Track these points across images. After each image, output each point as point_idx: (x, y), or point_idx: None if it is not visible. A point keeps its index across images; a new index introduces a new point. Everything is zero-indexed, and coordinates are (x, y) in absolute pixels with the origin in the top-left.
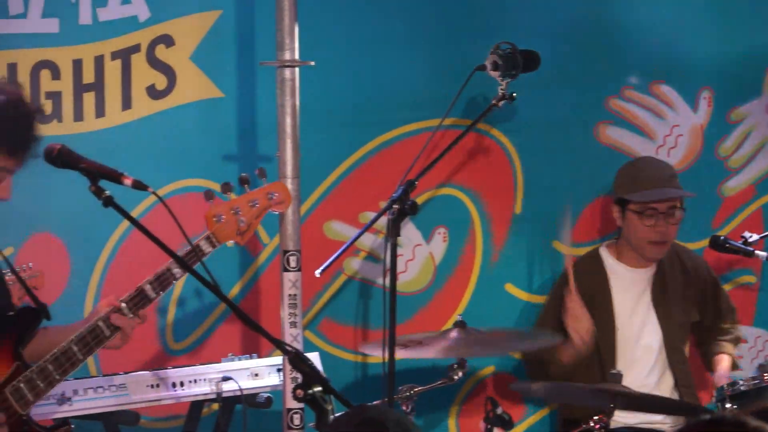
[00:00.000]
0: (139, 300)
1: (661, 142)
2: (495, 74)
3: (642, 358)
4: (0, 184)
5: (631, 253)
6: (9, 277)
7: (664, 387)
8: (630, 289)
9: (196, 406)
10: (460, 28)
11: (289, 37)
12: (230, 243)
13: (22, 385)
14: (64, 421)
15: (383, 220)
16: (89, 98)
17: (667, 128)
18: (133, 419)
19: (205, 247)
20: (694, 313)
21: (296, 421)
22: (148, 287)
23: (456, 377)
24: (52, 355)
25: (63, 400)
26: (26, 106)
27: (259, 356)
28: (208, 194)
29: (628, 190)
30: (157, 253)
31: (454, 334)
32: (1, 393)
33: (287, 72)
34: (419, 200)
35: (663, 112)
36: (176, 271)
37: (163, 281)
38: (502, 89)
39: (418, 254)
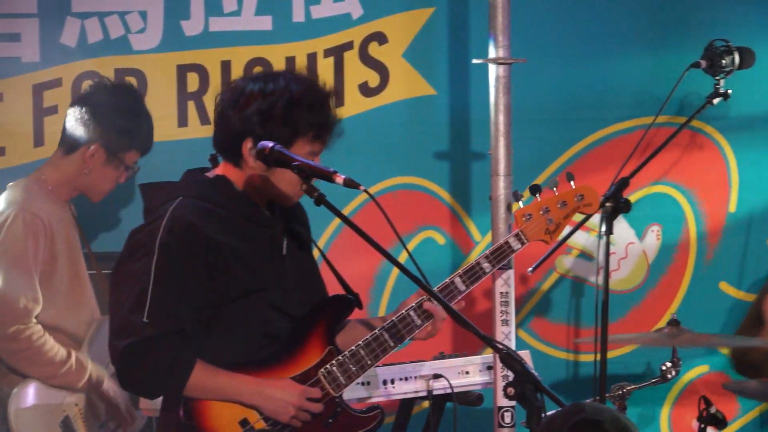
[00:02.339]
0: (448, 292)
1: None
2: (709, 72)
3: None
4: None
5: None
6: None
7: None
8: None
9: (407, 404)
10: (674, 25)
11: (503, 35)
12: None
13: (334, 368)
14: (376, 407)
15: (596, 218)
16: None
17: None
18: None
19: (514, 244)
20: None
21: (507, 419)
22: (458, 280)
23: (670, 376)
24: (364, 340)
25: None
26: (323, 89)
27: (470, 354)
28: (516, 195)
29: None
30: (369, 252)
31: (666, 331)
32: (314, 375)
33: (500, 69)
34: (632, 198)
35: None
36: (486, 265)
37: (472, 275)
38: (716, 86)
39: (631, 252)
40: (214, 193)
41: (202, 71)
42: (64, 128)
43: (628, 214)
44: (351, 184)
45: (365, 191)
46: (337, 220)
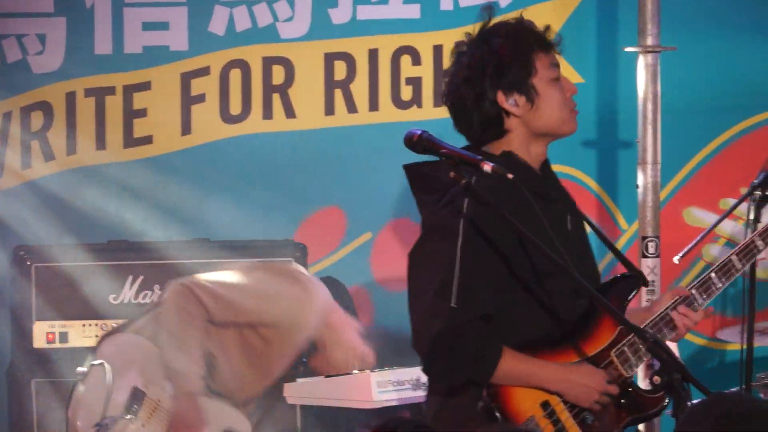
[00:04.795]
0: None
1: None
2: None
3: None
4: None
5: None
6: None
7: None
8: None
9: None
10: None
11: (652, 23)
12: None
13: (626, 348)
14: (662, 387)
15: (744, 206)
16: None
17: None
18: None
19: None
20: None
21: None
22: (734, 258)
23: None
24: (651, 320)
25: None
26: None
27: None
28: None
29: None
30: None
31: None
32: (608, 356)
33: (649, 57)
34: None
35: None
36: (759, 243)
37: (747, 253)
38: None
39: None
40: (510, 168)
41: (349, 59)
42: None
43: None
44: (498, 171)
45: (513, 179)
46: None
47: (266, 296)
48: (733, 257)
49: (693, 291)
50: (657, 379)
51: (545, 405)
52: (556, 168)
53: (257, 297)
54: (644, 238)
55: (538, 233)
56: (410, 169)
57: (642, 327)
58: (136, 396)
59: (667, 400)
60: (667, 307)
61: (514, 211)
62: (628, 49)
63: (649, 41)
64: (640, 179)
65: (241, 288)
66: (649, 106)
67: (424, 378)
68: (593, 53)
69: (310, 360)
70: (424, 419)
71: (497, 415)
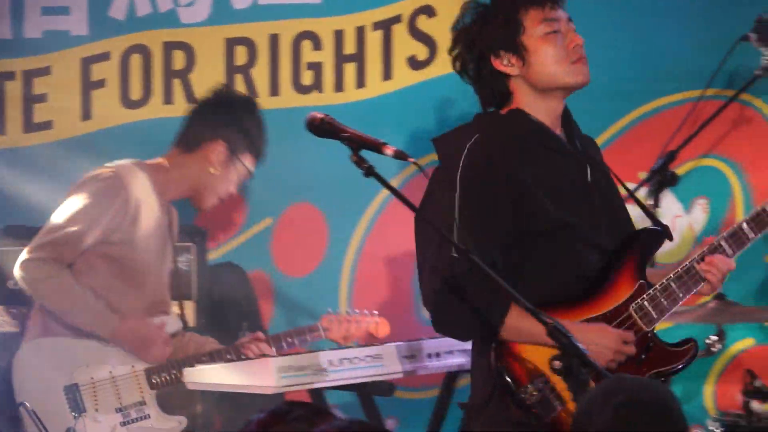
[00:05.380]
0: (737, 238)
1: None
2: (759, 45)
3: None
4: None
5: None
6: None
7: None
8: None
9: (451, 376)
10: None
11: None
12: None
13: (645, 302)
14: (690, 339)
15: (643, 191)
16: (350, 69)
17: None
18: (387, 390)
19: None
20: None
21: None
22: (745, 226)
23: (714, 349)
24: (675, 273)
25: (318, 370)
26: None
27: None
28: None
29: None
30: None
31: (712, 305)
32: (626, 310)
33: None
34: (679, 171)
35: None
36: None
37: (759, 221)
38: (766, 59)
39: (678, 225)
40: (511, 127)
41: (250, 45)
42: (185, 127)
43: (675, 187)
44: (400, 155)
45: (414, 163)
46: (382, 195)
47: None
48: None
49: (722, 242)
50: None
51: (552, 365)
52: None
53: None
54: None
55: (549, 187)
56: (436, 142)
57: (665, 280)
58: (71, 393)
59: (693, 353)
60: (692, 260)
61: (520, 166)
62: None
63: None
64: None
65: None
66: None
67: (325, 363)
68: None
69: None
70: (323, 405)
71: (507, 379)
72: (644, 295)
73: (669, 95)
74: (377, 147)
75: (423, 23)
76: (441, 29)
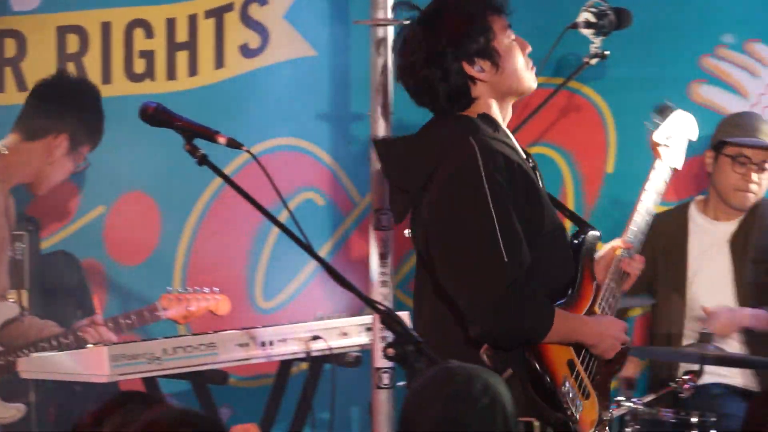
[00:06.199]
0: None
1: (755, 101)
2: (587, 32)
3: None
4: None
5: (717, 204)
6: None
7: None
8: (708, 244)
9: (285, 365)
10: None
11: None
12: None
13: (604, 303)
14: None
15: None
16: (182, 57)
17: (761, 87)
18: (221, 379)
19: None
20: None
21: (385, 380)
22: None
23: None
24: (610, 272)
25: (152, 359)
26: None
27: (349, 315)
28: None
29: (726, 133)
30: (249, 212)
31: None
32: (596, 312)
33: (380, 31)
34: None
35: (757, 71)
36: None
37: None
38: (594, 47)
39: None
40: (493, 129)
41: (82, 33)
42: (24, 114)
43: None
44: (233, 144)
45: (247, 151)
46: (215, 183)
47: None
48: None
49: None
50: (391, 351)
51: (571, 365)
52: (285, 141)
53: None
54: (377, 210)
55: (536, 191)
56: (382, 144)
57: (608, 281)
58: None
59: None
60: (619, 261)
61: (515, 170)
62: (358, 22)
63: (380, 14)
64: (373, 152)
65: None
66: (381, 79)
67: (159, 352)
68: (326, 26)
69: None
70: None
71: (547, 378)
72: (601, 296)
73: None
74: (210, 136)
75: (255, 11)
76: (273, 17)
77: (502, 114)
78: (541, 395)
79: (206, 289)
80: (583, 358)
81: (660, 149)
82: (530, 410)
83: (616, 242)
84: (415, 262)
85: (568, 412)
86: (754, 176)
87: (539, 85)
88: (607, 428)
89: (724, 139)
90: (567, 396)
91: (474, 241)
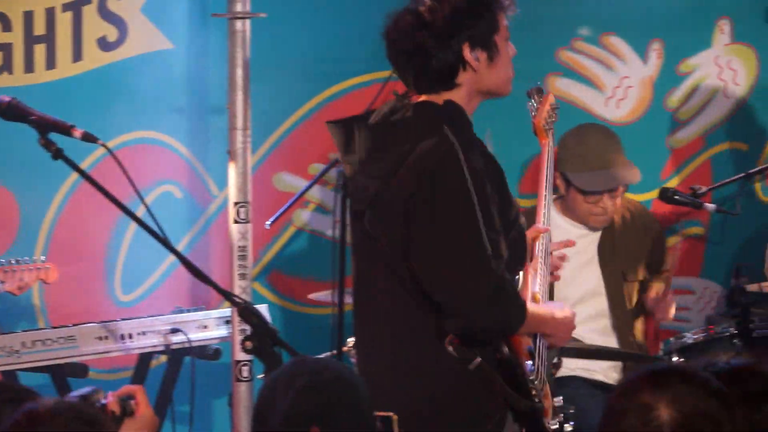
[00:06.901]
0: None
1: (611, 93)
2: None
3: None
4: None
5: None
6: None
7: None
8: (574, 247)
9: (145, 358)
10: None
11: None
12: None
13: (541, 288)
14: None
15: (333, 172)
16: (40, 50)
17: (616, 80)
18: (81, 371)
19: None
20: (642, 272)
21: (245, 373)
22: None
23: None
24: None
25: (11, 352)
26: None
27: (208, 308)
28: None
29: (573, 169)
30: (107, 206)
31: None
32: (535, 299)
33: (238, 24)
34: None
35: (613, 64)
36: None
37: None
38: None
39: None
40: (461, 120)
41: None
42: None
43: None
44: (89, 138)
45: (103, 145)
46: (74, 176)
47: None
48: None
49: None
50: (248, 344)
51: (531, 352)
52: (144, 134)
53: None
54: (235, 203)
55: (499, 185)
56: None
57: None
58: None
59: None
60: (551, 252)
61: (486, 159)
62: (216, 15)
63: (239, 7)
64: (231, 145)
65: None
66: (239, 72)
67: (17, 345)
68: (184, 19)
69: None
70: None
71: (518, 367)
72: (538, 280)
73: (358, 76)
74: (65, 130)
75: (113, 4)
76: (131, 10)
77: (470, 110)
78: (511, 383)
79: (36, 259)
80: (537, 347)
81: (545, 131)
82: (499, 398)
83: (537, 227)
84: (353, 253)
85: (536, 399)
86: (608, 201)
87: (377, 80)
88: (561, 415)
89: (569, 175)
90: (534, 383)
91: (462, 236)
